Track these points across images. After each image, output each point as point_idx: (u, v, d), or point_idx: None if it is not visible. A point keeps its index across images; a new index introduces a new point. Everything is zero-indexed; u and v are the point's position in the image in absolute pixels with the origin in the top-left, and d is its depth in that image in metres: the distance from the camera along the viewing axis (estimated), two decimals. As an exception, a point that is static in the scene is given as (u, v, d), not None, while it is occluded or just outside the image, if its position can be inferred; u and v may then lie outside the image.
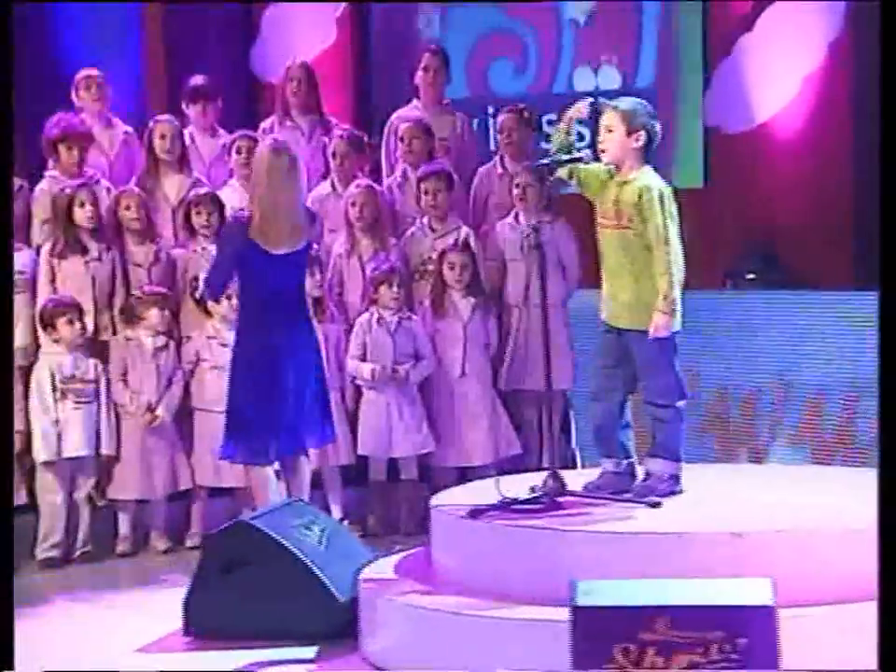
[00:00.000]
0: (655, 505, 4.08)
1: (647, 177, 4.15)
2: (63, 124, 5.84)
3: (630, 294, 4.20)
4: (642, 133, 4.09)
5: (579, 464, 5.95)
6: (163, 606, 4.77)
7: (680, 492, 4.26)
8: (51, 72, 7.33)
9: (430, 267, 5.81)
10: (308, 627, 4.32)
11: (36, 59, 7.42)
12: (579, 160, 4.09)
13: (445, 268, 5.63)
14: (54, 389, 5.29)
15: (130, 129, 6.36)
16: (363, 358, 5.60)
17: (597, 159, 4.13)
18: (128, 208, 5.61)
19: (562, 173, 4.11)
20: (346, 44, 8.35)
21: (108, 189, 5.82)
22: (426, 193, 5.80)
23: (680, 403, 4.32)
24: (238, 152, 5.94)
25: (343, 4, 8.26)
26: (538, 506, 4.11)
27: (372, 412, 5.62)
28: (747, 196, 7.34)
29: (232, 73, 7.71)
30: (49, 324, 5.31)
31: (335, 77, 7.68)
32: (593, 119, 4.27)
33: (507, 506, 4.10)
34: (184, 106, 6.25)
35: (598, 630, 3.38)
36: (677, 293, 4.05)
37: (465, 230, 5.85)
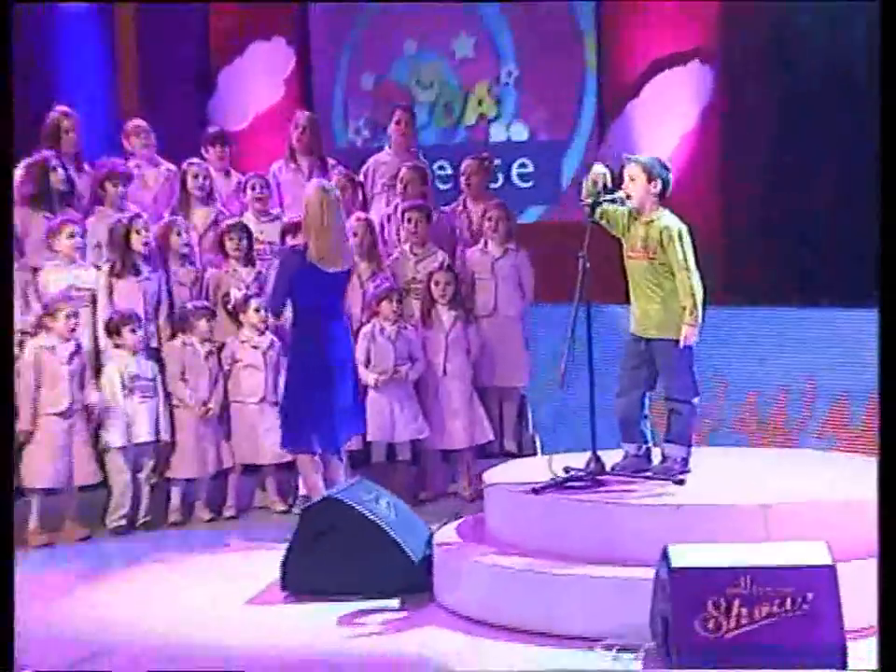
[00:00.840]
0: (680, 482, 4.81)
1: (667, 218, 4.94)
2: (109, 166, 6.73)
3: (658, 311, 4.92)
4: (658, 181, 4.87)
5: (539, 448, 6.91)
6: (234, 566, 5.66)
7: (689, 471, 4.90)
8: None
9: (417, 285, 6.76)
10: (389, 584, 5.02)
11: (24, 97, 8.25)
12: (613, 201, 4.90)
13: (432, 285, 6.62)
14: (123, 387, 6.13)
15: (173, 167, 7.16)
16: (367, 363, 6.48)
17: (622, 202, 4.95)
18: (178, 234, 6.54)
19: (595, 215, 4.87)
20: (292, 99, 9.37)
21: (146, 221, 6.51)
22: (409, 222, 6.82)
23: (695, 400, 5.04)
24: (252, 189, 6.91)
25: (290, 66, 9.39)
26: (585, 483, 4.87)
27: (377, 406, 6.49)
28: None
29: (195, 121, 8.69)
30: (115, 332, 6.15)
31: (283, 125, 8.75)
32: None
33: (561, 483, 4.83)
34: (203, 150, 7.15)
35: (694, 587, 3.97)
36: (700, 310, 4.80)
37: (441, 254, 6.87)
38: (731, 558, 4.06)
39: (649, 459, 5.11)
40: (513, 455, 6.87)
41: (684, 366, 5.01)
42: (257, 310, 6.41)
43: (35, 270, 6.37)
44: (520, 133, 9.31)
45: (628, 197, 4.91)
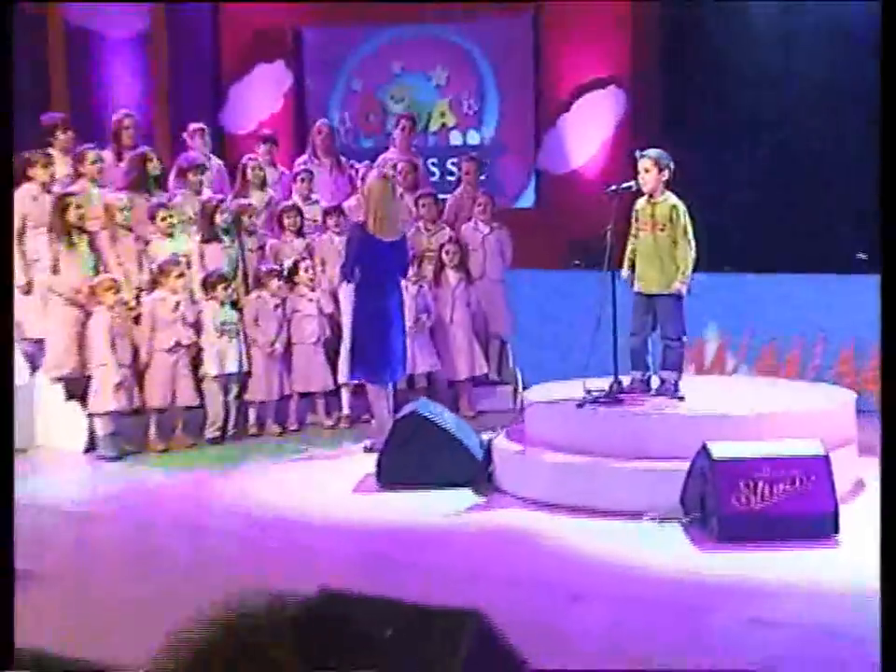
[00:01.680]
0: (681, 398, 6.12)
1: (673, 198, 6.11)
2: (191, 158, 8.35)
3: (659, 272, 6.08)
4: (666, 170, 6.04)
5: (519, 379, 8.04)
6: (320, 466, 7.11)
7: (681, 392, 6.15)
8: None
9: (431, 254, 8.37)
10: (459, 476, 6.30)
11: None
12: (629, 188, 6.20)
13: (443, 254, 8.26)
14: (215, 330, 7.64)
15: (221, 162, 8.94)
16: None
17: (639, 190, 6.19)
18: (250, 216, 8.12)
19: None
20: (289, 109, 11.25)
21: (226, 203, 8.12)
22: (423, 206, 8.49)
23: (684, 338, 6.30)
24: (301, 180, 8.53)
25: (289, 82, 11.17)
26: (609, 399, 6.12)
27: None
28: (566, 211, 10.30)
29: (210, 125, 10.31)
30: (210, 288, 7.63)
31: (282, 130, 10.51)
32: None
33: (595, 400, 6.06)
34: (256, 147, 8.87)
35: (731, 472, 5.04)
36: (690, 270, 6.04)
37: (448, 230, 8.52)
38: (755, 451, 5.21)
39: (649, 383, 6.35)
40: (498, 384, 8.58)
41: (678, 314, 6.24)
42: (306, 270, 8.00)
43: (144, 240, 7.85)
44: (473, 137, 11.29)
45: (644, 184, 6.15)
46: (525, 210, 11.02)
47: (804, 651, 4.22)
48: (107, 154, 8.27)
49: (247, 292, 8.05)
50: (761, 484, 5.17)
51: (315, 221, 8.48)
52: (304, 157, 9.07)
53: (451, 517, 5.98)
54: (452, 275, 8.43)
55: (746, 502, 5.14)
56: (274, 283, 7.93)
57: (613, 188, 6.37)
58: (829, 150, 9.55)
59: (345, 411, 8.05)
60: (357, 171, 8.93)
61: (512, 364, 8.81)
